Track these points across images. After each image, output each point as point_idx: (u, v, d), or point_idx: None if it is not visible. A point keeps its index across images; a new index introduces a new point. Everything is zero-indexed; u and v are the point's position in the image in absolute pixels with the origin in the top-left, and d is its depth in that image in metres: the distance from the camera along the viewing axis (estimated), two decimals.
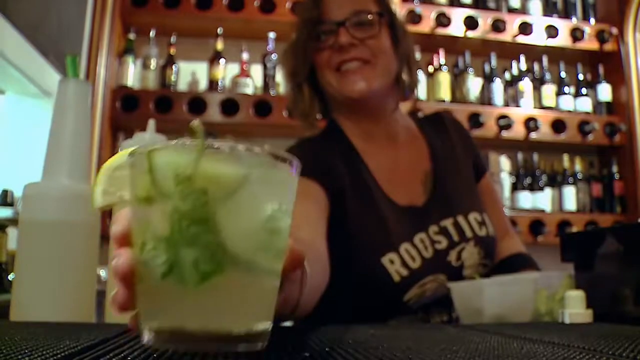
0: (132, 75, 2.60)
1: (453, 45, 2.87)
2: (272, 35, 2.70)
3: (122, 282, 0.40)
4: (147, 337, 0.39)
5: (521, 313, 0.89)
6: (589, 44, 2.94)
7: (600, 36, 2.94)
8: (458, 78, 2.86)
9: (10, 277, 1.38)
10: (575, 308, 0.78)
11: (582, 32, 2.92)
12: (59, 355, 0.43)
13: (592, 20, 3.02)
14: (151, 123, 0.83)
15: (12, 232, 1.48)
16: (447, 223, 1.10)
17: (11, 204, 2.08)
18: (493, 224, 1.16)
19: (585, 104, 2.92)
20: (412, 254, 1.04)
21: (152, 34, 2.66)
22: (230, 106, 2.57)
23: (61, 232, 0.77)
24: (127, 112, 2.51)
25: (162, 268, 0.37)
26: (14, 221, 1.51)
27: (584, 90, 2.94)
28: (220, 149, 0.39)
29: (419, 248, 1.05)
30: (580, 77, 2.97)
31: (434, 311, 1.05)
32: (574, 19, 2.99)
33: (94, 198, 0.46)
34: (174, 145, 0.39)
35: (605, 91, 2.97)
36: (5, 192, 2.17)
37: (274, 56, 2.70)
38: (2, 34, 1.69)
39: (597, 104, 2.97)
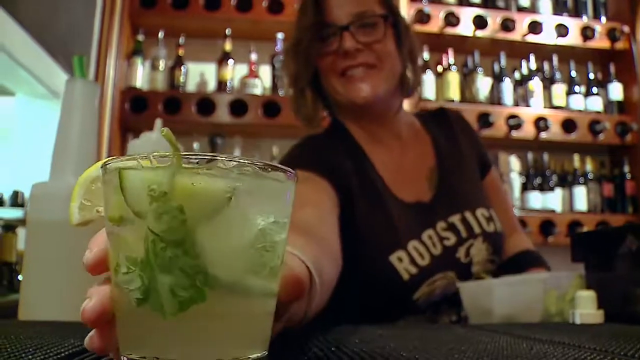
0: (140, 76, 2.61)
1: (462, 45, 2.86)
2: (280, 35, 2.70)
3: (95, 327, 0.36)
4: None
5: (531, 313, 0.88)
6: (600, 42, 2.91)
7: (612, 34, 2.91)
8: (467, 78, 2.85)
9: (21, 277, 1.39)
10: (586, 308, 0.77)
11: (593, 30, 2.89)
12: (62, 354, 0.43)
13: (603, 19, 2.99)
14: (158, 123, 0.83)
15: (22, 232, 1.49)
16: (455, 219, 1.09)
17: (22, 205, 2.10)
18: (500, 220, 1.15)
19: (596, 103, 2.90)
20: (420, 252, 1.03)
21: (160, 35, 2.66)
22: (239, 107, 2.57)
23: (68, 231, 0.77)
24: (136, 113, 2.52)
25: (136, 294, 0.33)
26: (24, 222, 1.52)
27: (594, 90, 2.91)
28: (199, 160, 0.34)
29: (427, 245, 1.04)
30: (591, 76, 2.95)
31: (443, 310, 1.04)
32: (584, 18, 2.96)
33: (70, 214, 0.42)
34: (146, 157, 0.34)
35: (616, 90, 2.95)
36: (15, 193, 2.19)
37: (282, 57, 2.70)
38: (11, 36, 1.70)
39: (608, 103, 2.94)
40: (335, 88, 1.12)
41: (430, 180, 1.14)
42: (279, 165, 0.37)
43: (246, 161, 0.35)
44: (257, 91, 2.66)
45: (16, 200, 2.14)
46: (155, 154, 0.34)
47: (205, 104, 2.56)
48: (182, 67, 2.66)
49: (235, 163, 0.34)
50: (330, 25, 1.09)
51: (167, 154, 0.33)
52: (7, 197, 2.17)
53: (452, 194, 1.13)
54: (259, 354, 0.36)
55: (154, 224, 0.33)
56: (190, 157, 0.34)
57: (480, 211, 1.11)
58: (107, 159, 0.36)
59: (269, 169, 0.36)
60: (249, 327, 0.36)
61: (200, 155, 0.34)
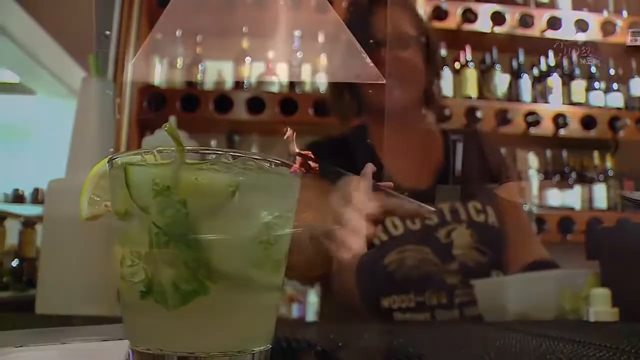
0: (158, 74, 2.63)
1: (480, 41, 2.82)
2: (297, 33, 2.70)
3: None
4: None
5: (545, 310, 0.87)
6: (621, 37, 2.85)
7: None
8: (485, 74, 2.82)
9: None
10: (600, 306, 0.77)
11: (614, 25, 2.84)
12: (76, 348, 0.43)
13: (625, 13, 2.94)
14: (172, 120, 0.84)
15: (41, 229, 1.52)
16: (444, 206, 1.13)
17: (41, 202, 2.13)
18: (511, 231, 1.18)
19: (616, 100, 2.85)
20: (395, 224, 1.09)
21: (178, 33, 2.67)
22: (256, 104, 2.58)
23: (83, 227, 0.78)
24: (154, 110, 2.54)
25: (140, 287, 0.34)
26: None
27: (615, 86, 2.87)
28: (202, 155, 0.34)
29: (406, 221, 1.09)
30: (612, 71, 2.90)
31: (429, 291, 1.06)
32: (605, 13, 2.91)
33: (80, 209, 0.43)
34: (150, 152, 0.34)
35: (637, 86, 2.89)
36: (36, 190, 2.23)
37: (299, 54, 2.70)
38: (32, 35, 1.73)
39: (629, 99, 2.89)
40: (366, 93, 1.21)
41: (432, 179, 1.20)
42: (283, 160, 0.37)
43: (250, 156, 0.35)
44: (275, 89, 2.67)
45: (36, 197, 2.18)
46: (159, 149, 0.34)
47: (223, 102, 2.57)
48: (199, 65, 2.68)
49: (238, 158, 0.34)
50: (371, 37, 1.15)
51: (171, 149, 0.33)
52: (27, 194, 2.21)
53: (450, 189, 1.18)
54: (262, 348, 0.36)
55: (157, 217, 0.33)
56: (193, 152, 0.34)
57: (472, 203, 1.15)
58: (113, 155, 0.36)
59: (273, 164, 0.36)
60: (253, 320, 0.36)
61: (203, 150, 0.34)
